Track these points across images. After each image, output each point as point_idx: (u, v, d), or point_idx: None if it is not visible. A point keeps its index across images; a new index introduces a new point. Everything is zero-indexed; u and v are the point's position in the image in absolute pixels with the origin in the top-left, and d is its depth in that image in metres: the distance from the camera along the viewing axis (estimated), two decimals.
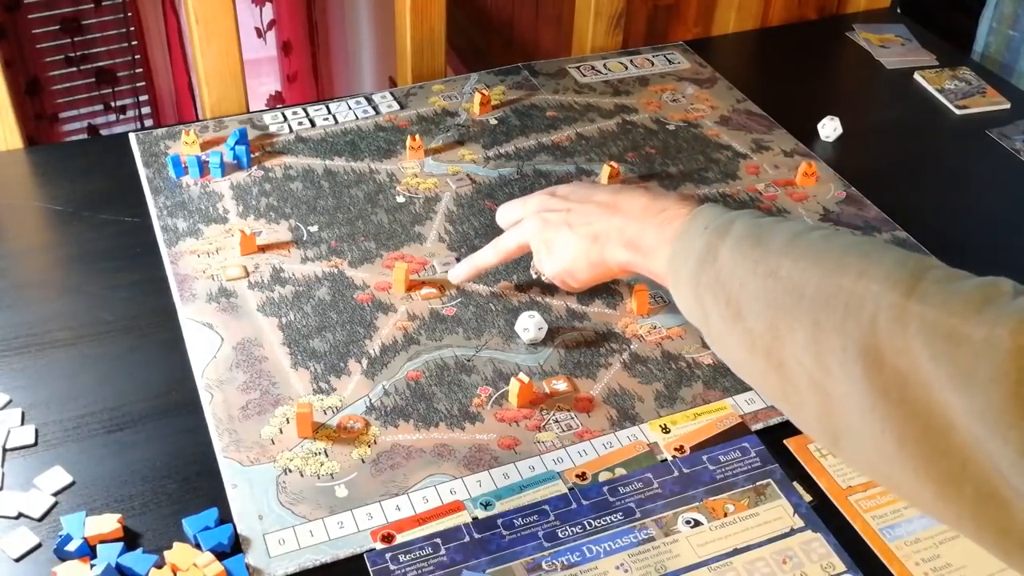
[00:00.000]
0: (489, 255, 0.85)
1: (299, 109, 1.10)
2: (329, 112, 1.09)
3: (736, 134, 1.10)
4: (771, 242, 0.64)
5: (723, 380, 0.80)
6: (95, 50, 2.05)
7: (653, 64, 1.22)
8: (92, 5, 1.99)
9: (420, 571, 0.65)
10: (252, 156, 1.01)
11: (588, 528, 0.68)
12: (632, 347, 0.83)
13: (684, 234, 0.69)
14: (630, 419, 0.76)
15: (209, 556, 0.64)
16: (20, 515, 0.68)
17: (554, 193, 0.83)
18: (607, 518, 0.69)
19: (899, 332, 0.55)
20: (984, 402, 0.50)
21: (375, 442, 0.73)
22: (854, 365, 0.56)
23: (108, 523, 0.66)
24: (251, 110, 1.12)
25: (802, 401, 0.61)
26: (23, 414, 0.74)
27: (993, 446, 0.50)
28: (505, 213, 0.86)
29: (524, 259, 0.90)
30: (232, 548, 0.66)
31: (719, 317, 0.65)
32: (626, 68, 1.21)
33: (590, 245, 0.78)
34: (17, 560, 0.65)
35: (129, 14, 2.02)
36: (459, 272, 0.87)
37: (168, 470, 0.71)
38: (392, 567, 0.65)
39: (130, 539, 0.66)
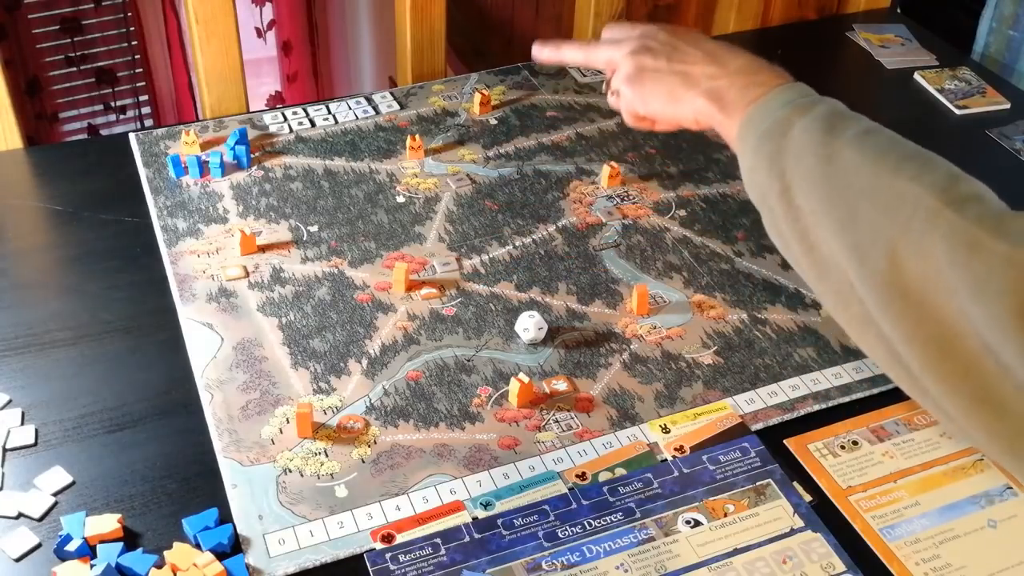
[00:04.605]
0: (577, 53, 0.86)
1: (299, 109, 1.10)
2: (329, 112, 1.09)
3: None
4: (844, 131, 0.66)
5: (723, 380, 0.80)
6: (95, 50, 2.04)
7: None
8: (92, 5, 1.99)
9: (420, 571, 0.65)
10: (252, 156, 1.01)
11: (588, 528, 0.68)
12: (632, 347, 0.83)
13: (766, 102, 0.71)
14: (630, 419, 0.76)
15: (209, 556, 0.64)
16: (20, 515, 0.68)
17: (664, 28, 0.82)
18: (607, 518, 0.69)
19: (927, 234, 0.57)
20: (992, 311, 0.53)
21: (375, 442, 0.73)
22: (880, 260, 0.58)
23: (108, 523, 0.66)
24: (251, 110, 1.12)
25: (829, 288, 0.64)
26: (23, 414, 0.74)
27: (1004, 350, 0.53)
28: (612, 31, 0.85)
29: (526, 259, 0.90)
30: (232, 548, 0.66)
31: (773, 192, 0.68)
32: None
33: (678, 81, 0.78)
34: (17, 560, 0.65)
35: (129, 14, 2.01)
36: (543, 52, 0.88)
37: (168, 470, 0.71)
38: (392, 567, 0.65)
39: (130, 539, 0.66)
